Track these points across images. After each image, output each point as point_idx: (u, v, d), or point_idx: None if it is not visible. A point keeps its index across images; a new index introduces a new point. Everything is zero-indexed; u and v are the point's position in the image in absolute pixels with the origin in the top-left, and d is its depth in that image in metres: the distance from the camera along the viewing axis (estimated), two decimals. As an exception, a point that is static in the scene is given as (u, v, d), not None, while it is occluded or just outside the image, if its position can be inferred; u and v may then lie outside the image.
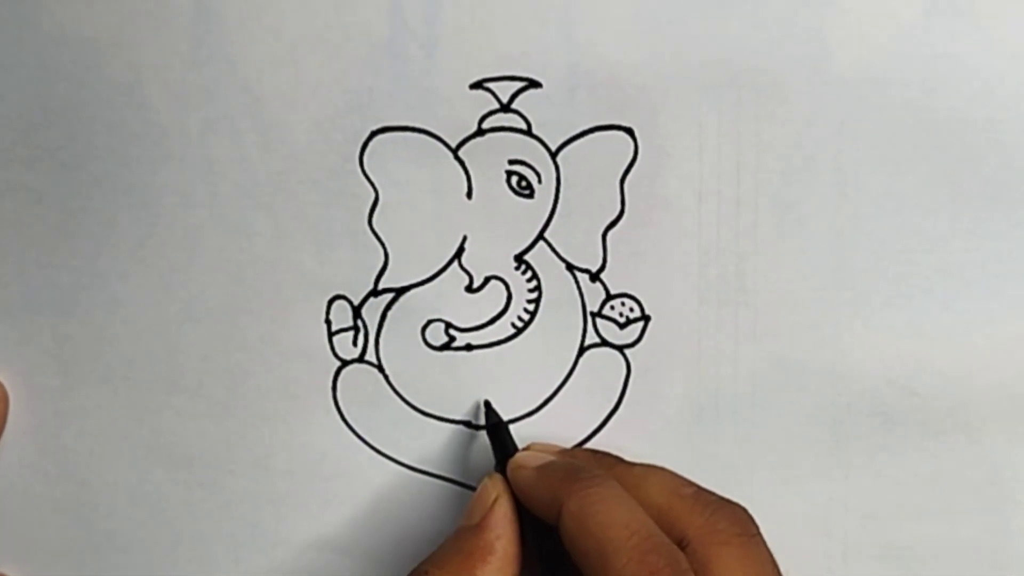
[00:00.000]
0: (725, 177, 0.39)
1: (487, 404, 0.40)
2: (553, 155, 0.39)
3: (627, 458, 0.38)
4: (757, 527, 0.35)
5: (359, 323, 0.40)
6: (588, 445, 0.40)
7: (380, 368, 0.40)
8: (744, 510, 0.35)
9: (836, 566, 0.41)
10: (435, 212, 0.40)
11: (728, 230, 0.40)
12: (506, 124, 0.39)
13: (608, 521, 0.33)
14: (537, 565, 0.36)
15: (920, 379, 0.40)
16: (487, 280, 0.40)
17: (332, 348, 0.40)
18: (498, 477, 0.37)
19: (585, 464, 0.36)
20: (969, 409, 0.40)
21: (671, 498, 0.35)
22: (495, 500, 0.36)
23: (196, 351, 0.40)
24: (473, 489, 0.40)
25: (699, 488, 0.36)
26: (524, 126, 0.39)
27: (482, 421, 0.40)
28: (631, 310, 0.40)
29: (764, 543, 0.34)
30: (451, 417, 0.40)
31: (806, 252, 0.40)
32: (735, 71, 0.39)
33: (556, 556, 0.34)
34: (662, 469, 0.37)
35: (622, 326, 0.40)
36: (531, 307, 0.40)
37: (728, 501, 0.35)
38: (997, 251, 0.40)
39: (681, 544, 0.34)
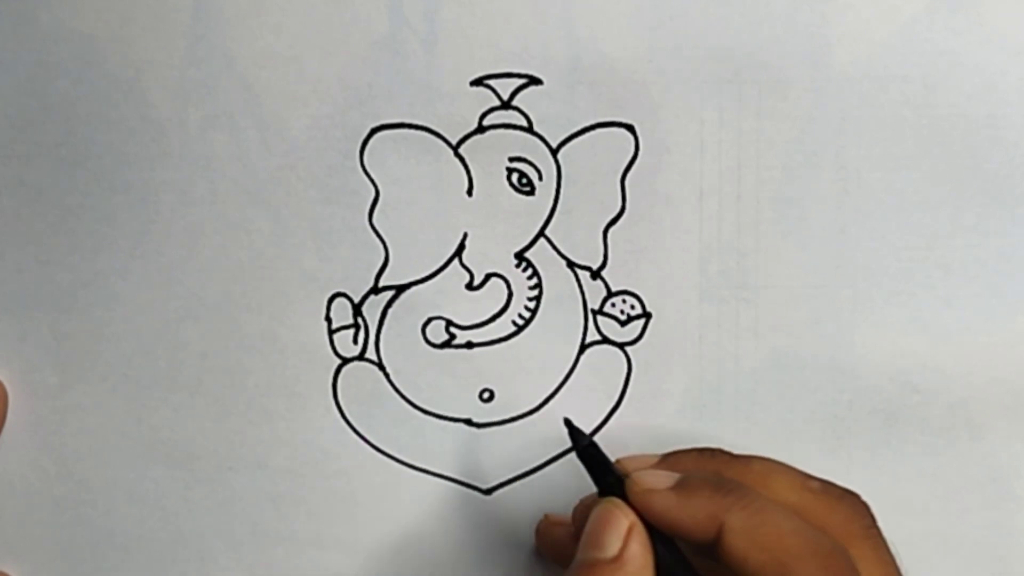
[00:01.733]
0: (726, 173, 0.39)
1: (568, 422, 0.37)
2: (554, 152, 0.39)
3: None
4: (874, 517, 0.35)
5: (359, 321, 0.40)
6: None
7: (380, 366, 0.40)
8: (862, 500, 0.35)
9: (838, 564, 0.41)
10: (436, 209, 0.39)
11: (729, 226, 0.40)
12: (507, 121, 0.39)
13: (779, 531, 0.32)
14: None
15: (922, 376, 0.40)
16: (488, 277, 0.40)
17: (332, 346, 0.40)
18: (622, 503, 0.34)
19: (713, 474, 0.35)
20: (971, 406, 0.40)
21: (802, 494, 0.34)
22: (629, 530, 0.34)
23: (196, 348, 0.40)
24: (473, 487, 0.40)
25: (822, 480, 0.35)
26: (525, 123, 0.39)
27: (483, 419, 0.40)
28: (632, 307, 0.40)
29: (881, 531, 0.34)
30: (451, 415, 0.40)
31: (807, 248, 0.40)
32: (736, 67, 0.39)
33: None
34: (773, 462, 0.36)
35: (623, 323, 0.40)
36: (532, 305, 0.40)
37: (848, 491, 0.35)
38: (998, 247, 0.40)
39: None
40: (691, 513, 0.33)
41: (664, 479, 0.34)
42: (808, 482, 0.35)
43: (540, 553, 0.40)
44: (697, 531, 0.33)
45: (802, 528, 0.32)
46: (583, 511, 0.37)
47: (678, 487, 0.34)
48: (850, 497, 0.35)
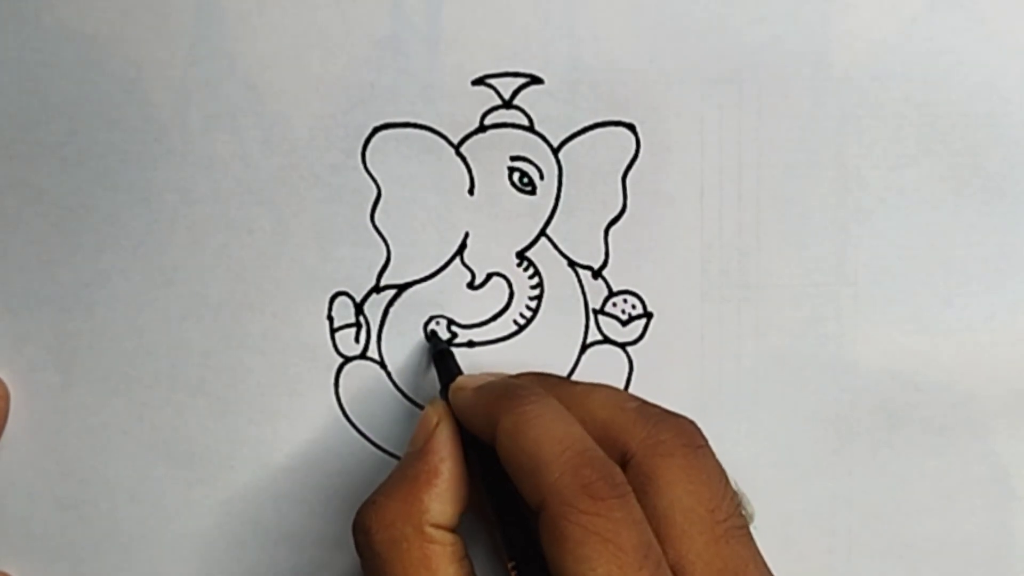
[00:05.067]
0: (727, 172, 0.39)
1: (432, 333, 0.40)
2: (555, 151, 0.39)
3: None
4: (704, 439, 0.34)
5: (361, 319, 0.40)
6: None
7: (382, 365, 0.40)
8: (690, 422, 0.35)
9: (839, 563, 0.41)
10: (437, 208, 0.39)
11: (730, 225, 0.40)
12: (508, 120, 0.39)
13: (541, 436, 0.32)
14: (481, 486, 0.35)
15: (924, 375, 0.40)
16: (489, 277, 0.40)
17: (334, 344, 0.40)
18: (439, 402, 0.37)
19: (524, 383, 0.35)
20: (973, 405, 0.40)
21: (614, 412, 0.34)
22: (436, 424, 0.36)
23: (197, 347, 0.40)
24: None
25: (643, 402, 0.35)
26: (526, 122, 0.39)
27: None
28: (633, 307, 0.40)
29: (711, 454, 0.34)
30: (453, 415, 0.40)
31: (808, 247, 0.40)
32: (737, 66, 0.39)
33: (498, 477, 0.34)
34: (606, 386, 0.36)
35: (624, 323, 0.40)
36: (533, 304, 0.40)
37: (673, 413, 0.35)
38: (1000, 246, 0.40)
39: (625, 458, 0.33)
40: (478, 411, 0.34)
41: (476, 381, 0.36)
42: (625, 402, 0.35)
43: None
44: (482, 430, 0.34)
45: (567, 437, 0.32)
46: None
47: (478, 388, 0.35)
48: (672, 418, 0.34)
